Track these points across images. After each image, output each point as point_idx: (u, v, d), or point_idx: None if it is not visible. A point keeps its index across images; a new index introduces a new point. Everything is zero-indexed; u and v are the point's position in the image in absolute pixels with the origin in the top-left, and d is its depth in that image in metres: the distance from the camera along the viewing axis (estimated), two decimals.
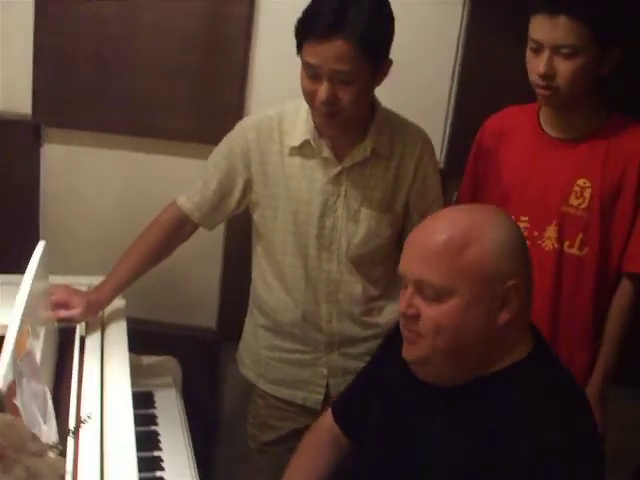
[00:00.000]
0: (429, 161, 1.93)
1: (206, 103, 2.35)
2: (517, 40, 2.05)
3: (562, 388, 1.34)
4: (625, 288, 1.98)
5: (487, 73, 2.31)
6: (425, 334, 1.33)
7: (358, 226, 1.89)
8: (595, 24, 1.77)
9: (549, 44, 1.80)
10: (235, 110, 2.33)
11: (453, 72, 2.32)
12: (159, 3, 2.30)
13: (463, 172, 2.14)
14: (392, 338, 1.54)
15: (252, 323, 2.07)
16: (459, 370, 1.35)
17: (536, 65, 1.84)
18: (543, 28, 1.81)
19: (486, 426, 1.30)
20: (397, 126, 1.90)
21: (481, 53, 2.30)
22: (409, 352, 1.38)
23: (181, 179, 2.11)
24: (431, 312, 1.32)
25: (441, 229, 1.34)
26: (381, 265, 1.97)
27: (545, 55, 1.81)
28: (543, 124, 2.00)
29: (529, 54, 1.88)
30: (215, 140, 1.98)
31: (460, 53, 2.30)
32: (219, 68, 2.33)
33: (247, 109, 2.37)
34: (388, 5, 1.71)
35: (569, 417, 1.29)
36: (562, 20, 1.78)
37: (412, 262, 1.35)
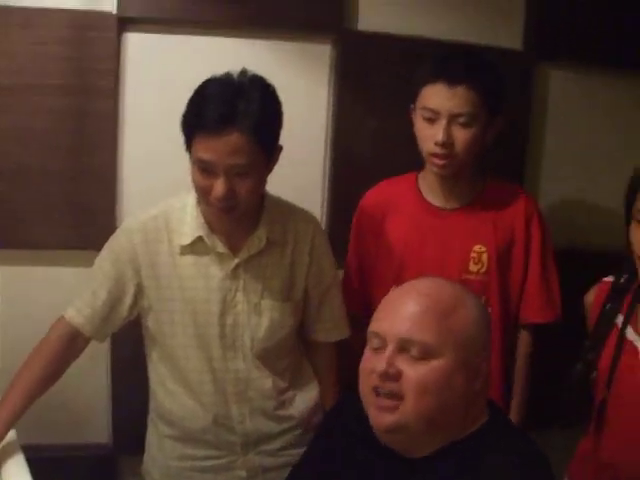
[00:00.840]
0: (322, 243, 1.92)
1: (79, 206, 2.22)
2: (384, 113, 2.10)
3: (528, 451, 1.35)
4: (524, 338, 2.06)
5: (358, 147, 2.34)
6: (407, 395, 1.30)
7: (261, 319, 1.82)
8: (487, 93, 1.85)
9: (446, 113, 1.85)
10: (108, 211, 2.23)
11: (325, 149, 2.33)
12: (15, 103, 2.15)
13: (345, 247, 2.13)
14: (334, 417, 1.51)
15: (156, 435, 1.93)
16: (433, 438, 1.34)
17: (433, 134, 1.87)
18: (440, 97, 1.86)
19: None
20: (286, 212, 1.88)
21: (351, 128, 2.32)
22: (386, 419, 1.33)
23: (64, 290, 1.97)
24: (416, 372, 1.30)
25: (429, 291, 1.37)
26: (287, 356, 1.91)
27: (442, 123, 1.85)
28: (425, 195, 2.03)
29: (422, 124, 1.91)
30: (94, 245, 1.87)
31: (330, 130, 2.31)
32: (88, 168, 2.21)
33: (119, 210, 2.26)
34: (275, 91, 1.69)
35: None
36: (460, 90, 1.83)
37: (398, 321, 1.34)
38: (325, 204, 2.33)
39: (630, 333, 1.73)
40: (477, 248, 1.98)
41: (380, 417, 1.33)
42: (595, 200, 2.50)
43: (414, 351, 1.31)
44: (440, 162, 1.90)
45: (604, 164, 2.50)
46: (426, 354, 1.31)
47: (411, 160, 2.07)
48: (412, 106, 1.96)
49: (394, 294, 1.41)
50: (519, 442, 1.37)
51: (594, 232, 2.53)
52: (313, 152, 2.30)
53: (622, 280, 1.79)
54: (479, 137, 1.89)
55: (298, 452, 1.83)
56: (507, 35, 2.23)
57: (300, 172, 2.27)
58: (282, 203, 1.89)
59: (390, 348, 1.33)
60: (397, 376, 1.31)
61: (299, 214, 1.90)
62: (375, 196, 2.11)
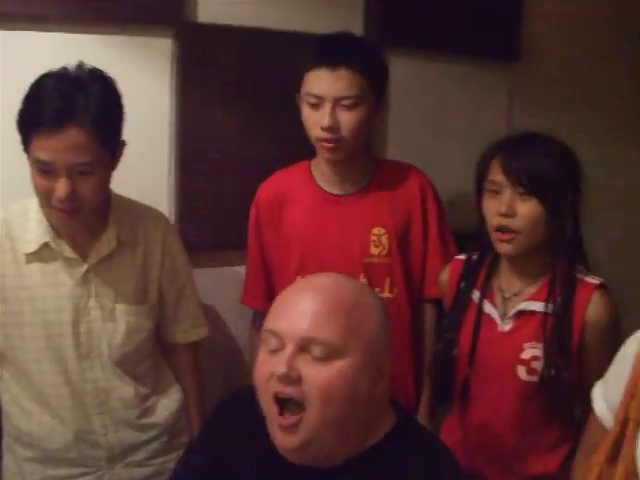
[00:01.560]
0: (174, 241, 1.86)
1: None
2: (230, 106, 2.05)
3: (439, 454, 1.33)
4: (430, 314, 2.09)
5: (204, 140, 2.26)
6: (311, 402, 1.20)
7: (117, 325, 1.74)
8: (369, 74, 1.85)
9: (331, 97, 1.83)
10: None
11: (170, 144, 2.24)
12: None
13: (194, 248, 2.05)
14: (216, 428, 1.41)
15: (13, 459, 1.79)
16: (343, 446, 1.26)
17: (318, 119, 1.86)
18: (323, 82, 1.84)
19: None
20: (135, 211, 1.80)
21: (195, 121, 2.24)
22: (290, 440, 1.23)
23: None
24: (319, 374, 1.20)
25: (327, 286, 1.28)
26: (147, 360, 1.84)
27: (327, 108, 1.84)
28: (320, 183, 2.02)
29: (307, 110, 1.89)
30: None
31: (175, 124, 2.24)
32: None
33: None
34: (115, 84, 1.61)
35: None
36: (343, 72, 1.82)
37: (297, 319, 1.23)
38: (171, 200, 2.24)
39: (487, 307, 1.78)
40: (376, 231, 1.99)
41: (284, 439, 1.23)
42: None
43: (316, 351, 1.21)
44: (329, 146, 1.89)
45: (444, 147, 2.56)
46: (329, 354, 1.21)
47: (265, 151, 2.04)
48: (297, 95, 1.93)
49: (290, 290, 1.32)
50: (429, 442, 1.35)
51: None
52: (157, 147, 2.21)
53: (474, 257, 1.84)
54: (366, 119, 1.88)
55: (166, 460, 1.79)
56: (348, 23, 2.23)
57: (144, 168, 2.17)
58: (128, 201, 1.81)
59: (289, 348, 1.22)
60: (298, 380, 1.20)
61: (148, 212, 1.83)
62: (269, 188, 2.08)
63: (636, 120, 2.92)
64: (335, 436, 1.23)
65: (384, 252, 1.99)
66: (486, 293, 1.79)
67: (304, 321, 1.23)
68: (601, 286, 1.71)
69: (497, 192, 1.70)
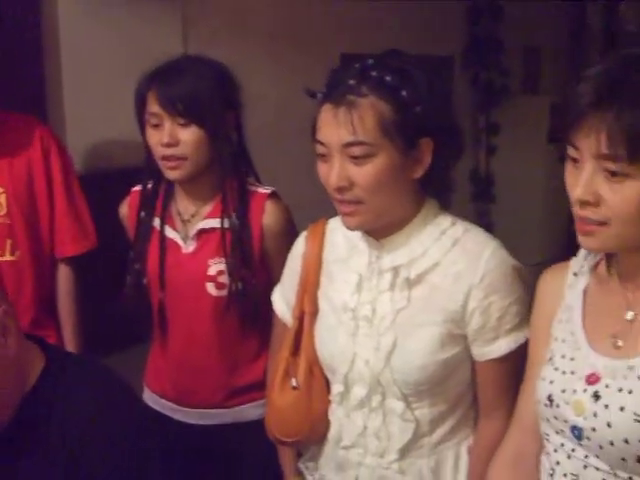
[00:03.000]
0: None
1: None
2: None
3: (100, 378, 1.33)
4: (64, 274, 2.02)
5: None
6: None
7: None
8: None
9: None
10: None
11: None
12: None
13: None
14: None
15: None
16: None
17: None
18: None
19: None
20: None
21: None
22: None
23: None
24: None
25: None
26: None
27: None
28: None
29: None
30: None
31: None
32: None
33: None
34: None
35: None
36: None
37: None
38: None
39: (169, 232, 1.80)
40: None
41: None
42: (114, 124, 2.45)
43: None
44: None
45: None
46: None
47: None
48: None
49: None
50: (91, 375, 1.34)
51: (116, 153, 2.50)
52: None
53: (149, 186, 1.84)
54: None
55: None
56: None
57: None
58: None
59: None
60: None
61: None
62: None
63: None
64: None
65: (2, 212, 1.90)
66: (166, 219, 1.81)
67: None
68: (272, 194, 1.79)
69: (158, 125, 1.70)
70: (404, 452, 1.38)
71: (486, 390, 1.38)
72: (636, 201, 1.02)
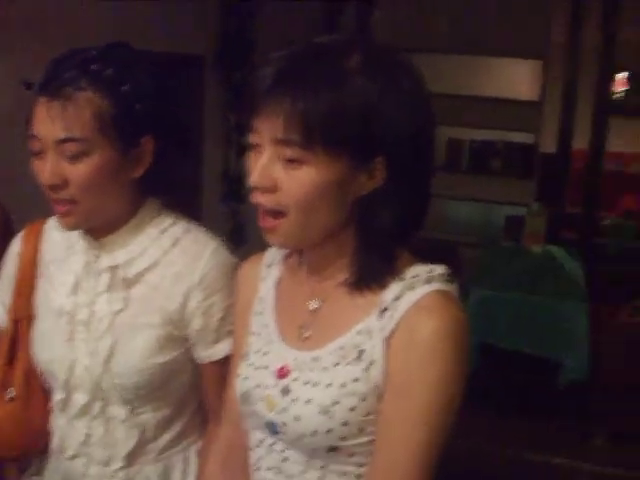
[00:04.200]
0: None
1: None
2: None
3: None
4: None
5: None
6: None
7: None
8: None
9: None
10: None
11: None
12: None
13: None
14: None
15: None
16: None
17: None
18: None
19: None
20: None
21: None
22: None
23: None
24: None
25: None
26: None
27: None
28: None
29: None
30: None
31: None
32: None
33: None
34: None
35: None
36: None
37: None
38: None
39: None
40: None
41: None
42: None
43: None
44: None
45: None
46: None
47: None
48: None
49: None
50: None
51: None
52: None
53: None
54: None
55: None
56: None
57: None
58: None
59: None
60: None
61: None
62: None
63: None
64: None
65: None
66: None
67: None
68: None
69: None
70: (130, 459, 1.33)
71: (211, 392, 1.36)
72: (312, 188, 1.01)
